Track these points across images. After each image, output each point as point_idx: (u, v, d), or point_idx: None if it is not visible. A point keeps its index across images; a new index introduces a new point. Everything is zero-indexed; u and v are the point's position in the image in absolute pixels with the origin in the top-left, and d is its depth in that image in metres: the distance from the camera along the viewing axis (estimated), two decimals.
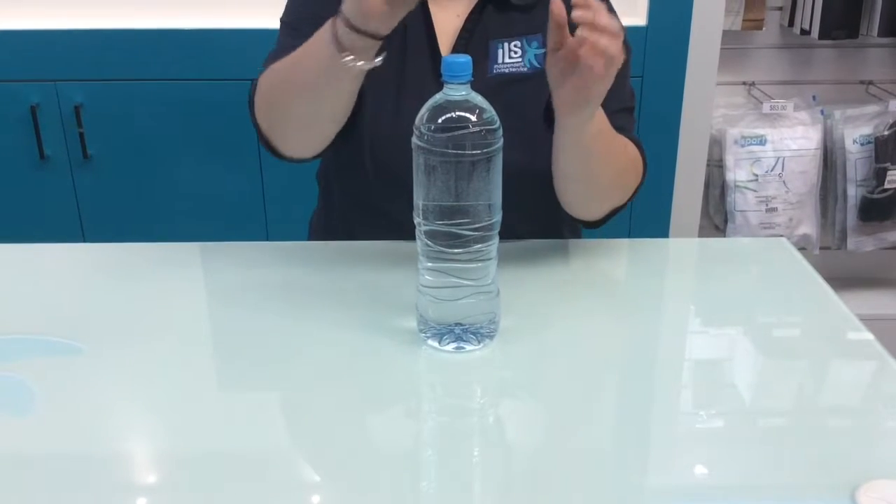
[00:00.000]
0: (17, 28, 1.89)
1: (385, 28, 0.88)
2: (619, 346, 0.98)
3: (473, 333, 0.90)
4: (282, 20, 1.13)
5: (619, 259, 1.15)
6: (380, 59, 0.92)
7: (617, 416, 0.85)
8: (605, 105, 1.08)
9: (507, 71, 1.09)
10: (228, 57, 1.88)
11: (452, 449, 0.79)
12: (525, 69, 1.09)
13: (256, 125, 1.08)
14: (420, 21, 1.08)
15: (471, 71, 0.82)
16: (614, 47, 0.85)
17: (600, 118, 0.97)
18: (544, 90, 1.11)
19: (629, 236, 1.15)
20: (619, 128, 1.08)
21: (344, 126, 1.06)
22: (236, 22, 1.88)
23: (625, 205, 1.09)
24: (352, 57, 0.90)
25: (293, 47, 1.01)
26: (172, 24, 1.88)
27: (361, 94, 1.06)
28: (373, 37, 0.89)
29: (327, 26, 0.91)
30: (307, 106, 1.00)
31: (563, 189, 1.06)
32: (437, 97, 0.83)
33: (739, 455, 0.77)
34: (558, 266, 1.11)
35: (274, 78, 1.03)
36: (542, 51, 1.09)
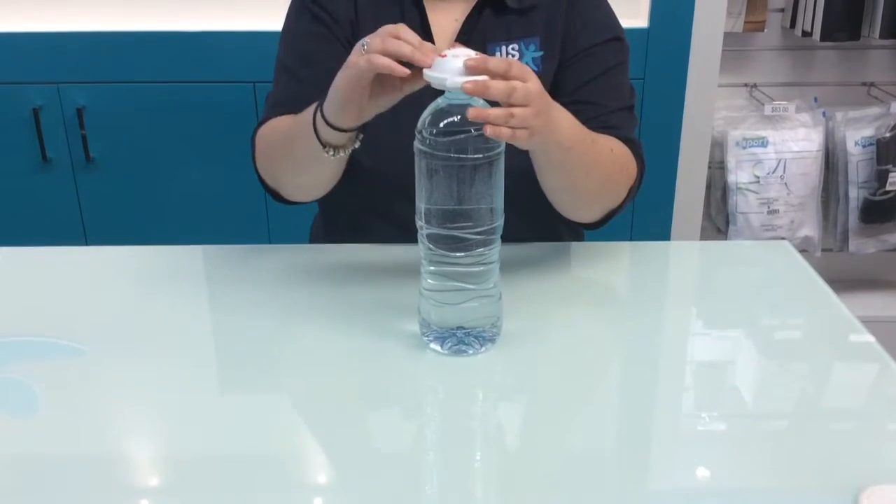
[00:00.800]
0: (20, 30, 1.89)
1: (358, 123, 0.93)
2: (621, 349, 0.98)
3: (475, 337, 0.90)
4: (278, 59, 1.14)
5: (621, 262, 1.15)
6: (358, 141, 0.97)
7: (619, 419, 0.85)
8: (604, 104, 1.08)
9: None
10: (231, 60, 1.88)
11: (454, 452, 0.79)
12: None
13: (259, 176, 1.13)
14: (417, 24, 1.08)
15: None
16: (514, 119, 0.83)
17: (570, 134, 0.95)
18: None
19: (631, 239, 1.16)
20: (615, 127, 1.07)
21: None
22: (238, 24, 1.88)
23: (622, 205, 1.09)
24: (332, 152, 0.96)
25: (292, 93, 1.08)
26: (175, 26, 1.88)
27: None
28: (349, 131, 0.94)
29: (311, 116, 0.95)
30: (303, 177, 1.07)
31: (551, 198, 1.06)
32: (440, 101, 0.83)
33: (741, 458, 0.77)
34: (560, 269, 1.11)
35: (271, 142, 1.08)
36: (540, 53, 1.09)
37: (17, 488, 0.73)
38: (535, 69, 1.09)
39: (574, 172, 1.00)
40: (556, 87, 1.11)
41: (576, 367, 0.92)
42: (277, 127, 1.08)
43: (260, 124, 1.12)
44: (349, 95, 0.89)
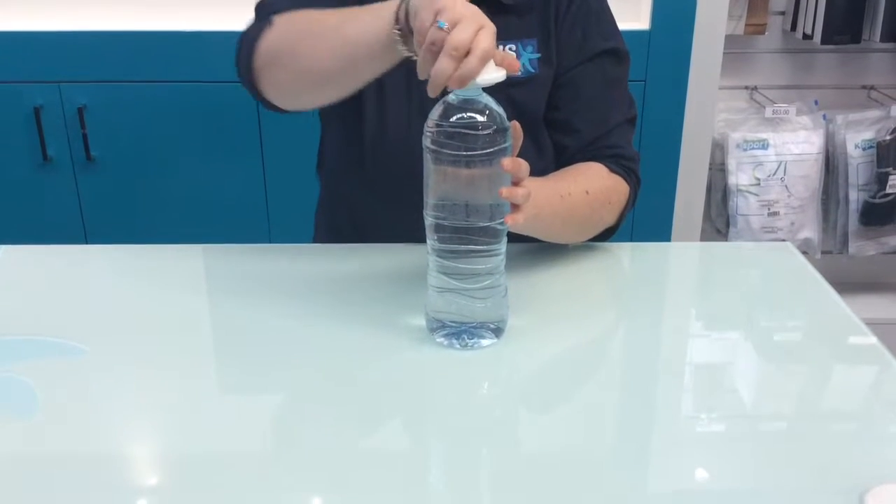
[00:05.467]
0: (22, 29, 1.89)
1: None
2: (621, 350, 0.98)
3: (480, 334, 0.90)
4: None
5: (622, 263, 1.16)
6: None
7: (619, 420, 0.85)
8: (606, 121, 1.08)
9: None
10: (232, 59, 1.88)
11: (457, 448, 0.79)
12: (519, 73, 1.08)
13: (249, 63, 1.03)
14: None
15: None
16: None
17: (551, 210, 0.97)
18: (540, 95, 1.10)
19: (631, 240, 1.15)
20: (614, 145, 1.08)
21: (348, 129, 1.05)
22: (240, 24, 1.88)
23: (616, 226, 1.10)
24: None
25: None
26: (176, 26, 1.89)
27: (363, 99, 1.06)
28: None
29: (388, 13, 0.87)
30: (334, 72, 0.95)
31: None
32: (450, 97, 0.84)
33: (742, 459, 0.77)
34: (562, 269, 1.11)
35: (308, 25, 0.98)
36: (538, 56, 1.09)
37: (16, 487, 0.73)
38: (532, 70, 1.09)
39: (549, 229, 1.03)
40: (555, 101, 1.11)
41: (577, 366, 0.92)
42: (315, 17, 0.97)
43: (265, 16, 1.03)
44: (404, 53, 0.86)
